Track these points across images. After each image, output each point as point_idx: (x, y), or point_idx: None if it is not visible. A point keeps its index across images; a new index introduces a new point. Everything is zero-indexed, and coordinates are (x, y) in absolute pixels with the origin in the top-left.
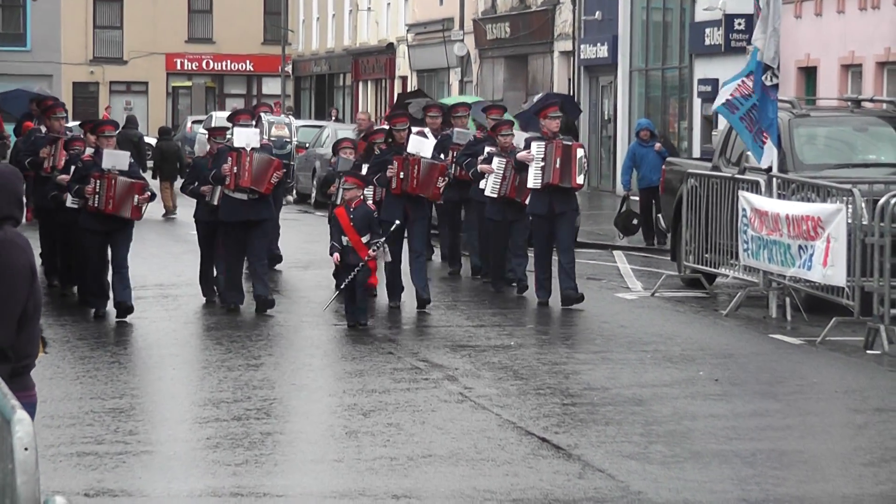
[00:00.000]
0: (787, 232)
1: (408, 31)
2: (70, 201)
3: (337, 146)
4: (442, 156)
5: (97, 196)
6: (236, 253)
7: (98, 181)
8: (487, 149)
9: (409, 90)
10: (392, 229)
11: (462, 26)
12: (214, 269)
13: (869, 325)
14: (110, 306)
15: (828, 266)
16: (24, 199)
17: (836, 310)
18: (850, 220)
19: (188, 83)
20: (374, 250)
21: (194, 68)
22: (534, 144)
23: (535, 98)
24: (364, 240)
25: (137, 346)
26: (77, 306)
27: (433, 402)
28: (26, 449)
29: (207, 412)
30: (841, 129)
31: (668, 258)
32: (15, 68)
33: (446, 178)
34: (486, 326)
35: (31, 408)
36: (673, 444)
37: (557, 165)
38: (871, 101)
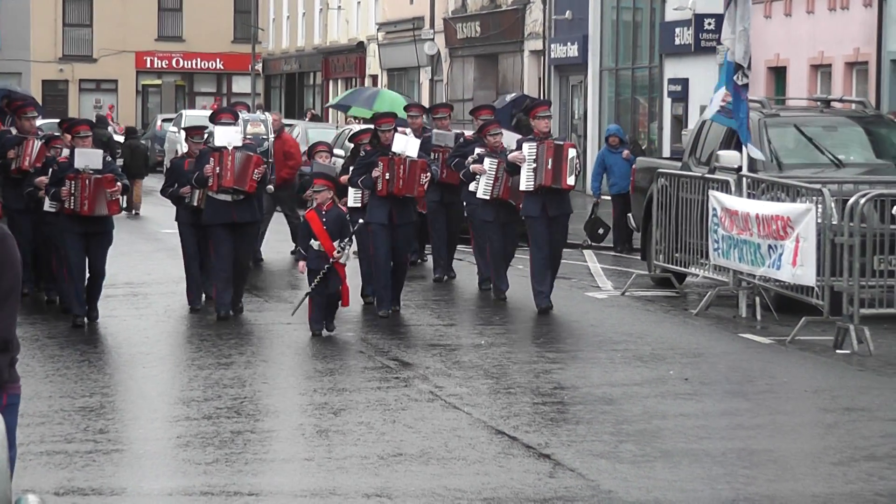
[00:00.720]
0: (757, 231)
1: (378, 29)
2: (48, 205)
3: (312, 150)
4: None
5: (73, 198)
6: (225, 256)
7: (73, 182)
8: (477, 150)
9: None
10: (355, 228)
11: (432, 25)
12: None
13: (838, 324)
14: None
15: (797, 266)
16: None
17: (805, 309)
18: (819, 220)
19: (158, 81)
20: (338, 251)
21: (164, 66)
22: (525, 145)
23: (508, 98)
24: (336, 244)
25: (107, 345)
26: (46, 305)
27: (404, 400)
28: None
29: (178, 410)
30: (810, 129)
31: (639, 257)
32: None
33: (428, 175)
34: (456, 325)
35: (17, 398)
36: (643, 444)
37: (549, 166)
38: (841, 101)
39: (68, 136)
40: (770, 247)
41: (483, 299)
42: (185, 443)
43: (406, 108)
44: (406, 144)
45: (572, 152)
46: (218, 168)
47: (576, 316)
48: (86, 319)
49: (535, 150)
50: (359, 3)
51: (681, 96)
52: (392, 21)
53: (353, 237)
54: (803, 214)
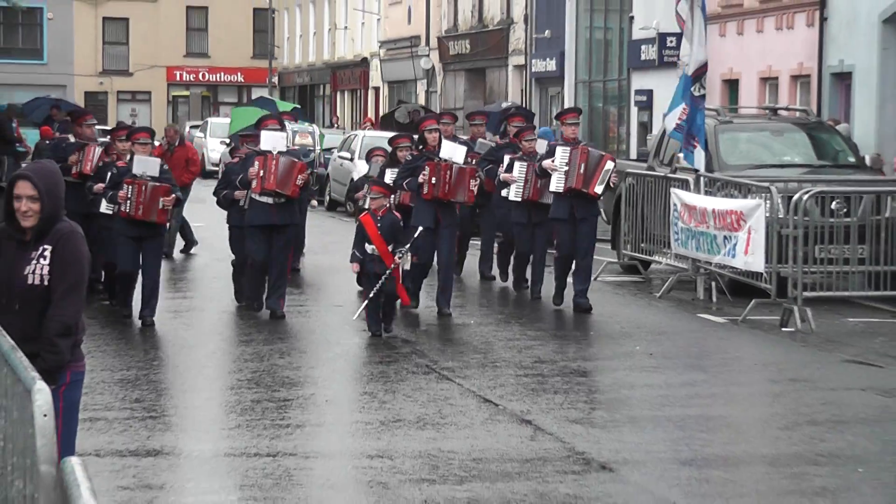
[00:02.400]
0: (713, 224)
1: (380, 46)
2: (104, 206)
3: (370, 154)
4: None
5: (128, 201)
6: (260, 257)
7: (129, 187)
8: (507, 156)
9: (380, 99)
10: (416, 236)
11: (428, 43)
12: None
13: (784, 305)
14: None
15: (748, 254)
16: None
17: (755, 292)
18: (768, 214)
19: (186, 93)
20: (399, 257)
21: (192, 79)
22: (558, 150)
23: (503, 105)
24: (391, 248)
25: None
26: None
27: (402, 373)
28: (45, 415)
29: (203, 382)
30: (760, 134)
31: (609, 247)
32: (33, 79)
33: (478, 180)
34: (458, 305)
35: (80, 375)
36: (613, 410)
37: (581, 171)
38: (787, 109)
39: (121, 144)
40: (724, 237)
41: (472, 286)
42: (210, 409)
43: (440, 115)
44: (453, 151)
45: (610, 164)
46: (262, 171)
47: (538, 298)
48: (140, 322)
49: (567, 155)
50: (363, 23)
51: (646, 105)
52: (392, 39)
53: (413, 245)
54: (754, 209)
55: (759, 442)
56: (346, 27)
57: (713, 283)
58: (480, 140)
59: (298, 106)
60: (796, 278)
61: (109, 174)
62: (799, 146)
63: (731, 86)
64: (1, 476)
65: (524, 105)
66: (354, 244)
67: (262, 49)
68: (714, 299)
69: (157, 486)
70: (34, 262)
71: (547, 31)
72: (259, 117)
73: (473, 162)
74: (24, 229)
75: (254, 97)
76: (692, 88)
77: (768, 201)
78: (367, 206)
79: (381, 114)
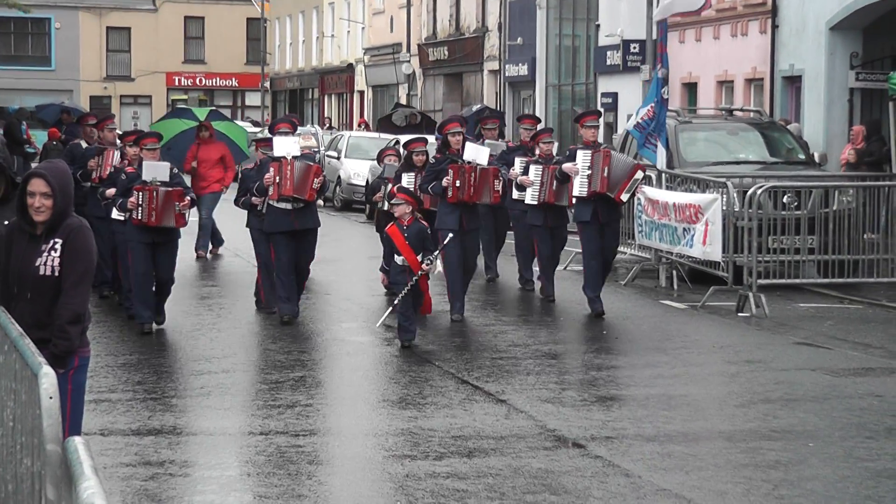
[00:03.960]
0: (674, 217)
1: (364, 53)
2: (115, 213)
3: (381, 154)
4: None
5: (140, 209)
6: (286, 264)
7: (140, 193)
8: (519, 160)
9: (365, 102)
10: (445, 242)
11: (409, 50)
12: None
13: (740, 292)
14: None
15: (707, 244)
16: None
17: (713, 280)
18: (724, 207)
19: (185, 97)
20: (427, 264)
21: (190, 84)
22: (579, 153)
23: (475, 108)
24: (420, 258)
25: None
26: (99, 300)
27: (386, 356)
28: (51, 397)
29: (201, 366)
30: (717, 133)
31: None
32: (42, 84)
33: (501, 180)
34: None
35: (86, 360)
36: (581, 391)
37: (605, 174)
38: (741, 110)
39: (132, 149)
40: (684, 229)
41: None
42: (206, 392)
43: (482, 121)
44: (477, 153)
45: (640, 174)
46: (278, 177)
47: (530, 290)
48: (154, 325)
49: (589, 159)
50: (349, 31)
51: (612, 107)
52: (376, 46)
53: (439, 249)
54: (711, 203)
55: (716, 419)
56: (332, 35)
57: (674, 272)
58: (489, 141)
59: (214, 108)
60: (751, 267)
61: (119, 180)
62: (753, 144)
63: (690, 89)
64: (10, 454)
65: (498, 107)
66: (384, 256)
67: (255, 56)
68: (675, 287)
69: (157, 463)
70: (45, 254)
71: (519, 39)
72: (272, 122)
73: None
74: (36, 223)
75: (246, 101)
76: (661, 90)
77: (725, 196)
78: (385, 209)
79: (365, 115)
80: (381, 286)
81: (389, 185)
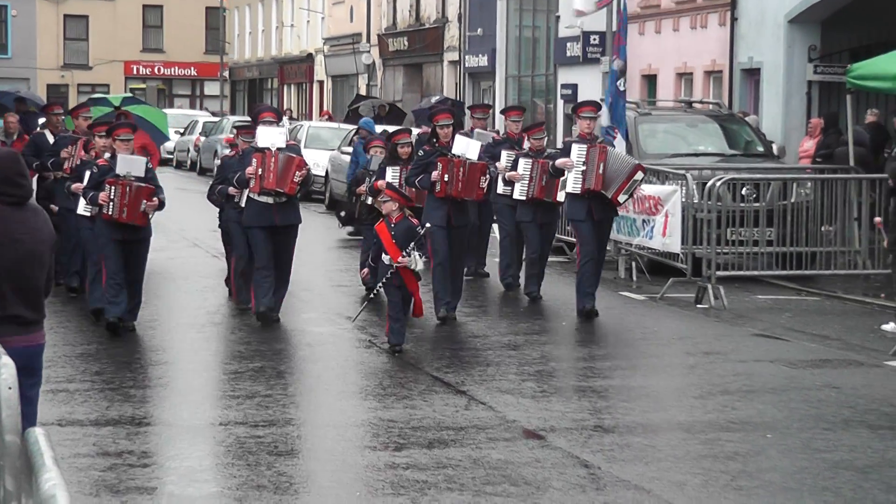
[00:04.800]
0: (633, 208)
1: (324, 43)
2: (82, 208)
3: (367, 145)
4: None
5: (112, 203)
6: (265, 260)
7: (112, 188)
8: (506, 153)
9: (325, 92)
10: (422, 233)
11: (368, 40)
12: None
13: (699, 284)
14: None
15: (666, 236)
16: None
17: (672, 272)
18: (683, 199)
19: (143, 86)
20: (404, 256)
21: (148, 73)
22: (574, 147)
23: (433, 99)
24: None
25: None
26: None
27: (346, 347)
28: (10, 388)
29: (158, 356)
30: (676, 125)
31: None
32: None
33: (488, 177)
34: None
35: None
36: (541, 382)
37: (600, 171)
38: (701, 102)
39: (103, 140)
40: (644, 221)
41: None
42: (165, 383)
43: (472, 109)
44: (467, 146)
45: (640, 175)
46: (260, 169)
47: (485, 279)
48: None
49: (584, 153)
50: (308, 21)
51: (571, 99)
52: (336, 36)
53: (422, 244)
54: (671, 194)
55: (675, 410)
56: (292, 25)
57: (633, 264)
58: (478, 131)
59: (130, 94)
60: (710, 258)
61: (89, 173)
62: (712, 136)
63: (650, 80)
64: None
65: (458, 98)
66: (371, 255)
67: (214, 45)
68: (634, 278)
69: (116, 454)
70: None
71: (479, 30)
72: (256, 110)
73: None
74: None
75: (205, 91)
76: (617, 82)
77: (684, 187)
78: (368, 202)
79: (325, 105)
80: (340, 276)
81: (374, 179)
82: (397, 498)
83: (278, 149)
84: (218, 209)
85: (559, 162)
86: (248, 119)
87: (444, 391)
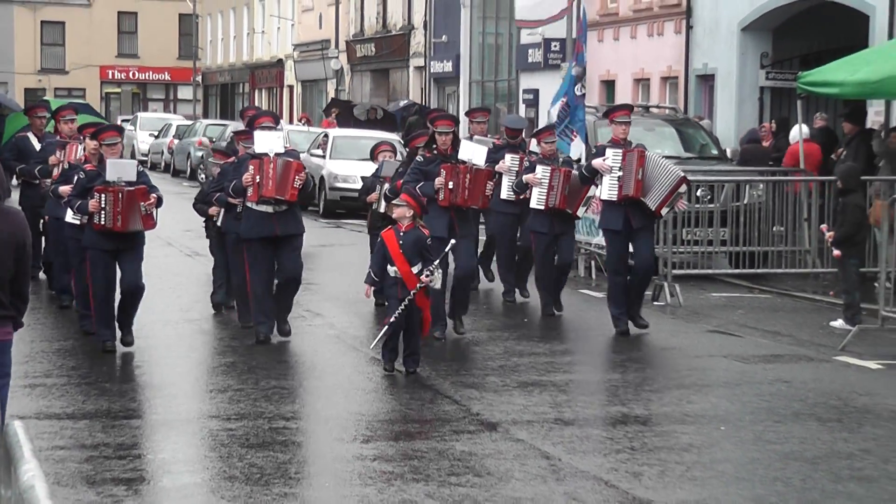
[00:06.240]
0: (592, 209)
1: (294, 49)
2: (70, 216)
3: (375, 149)
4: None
5: (103, 212)
6: (264, 275)
7: (103, 195)
8: (510, 156)
9: (294, 97)
10: (447, 249)
11: (337, 46)
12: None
13: (655, 281)
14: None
15: None
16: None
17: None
18: None
19: (118, 90)
20: (426, 275)
21: (123, 78)
22: (609, 152)
23: (401, 103)
24: (415, 270)
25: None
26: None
27: (314, 343)
28: None
29: (133, 352)
30: (634, 129)
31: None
32: None
33: (493, 184)
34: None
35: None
36: (503, 376)
37: (639, 177)
38: (657, 107)
39: (91, 143)
40: None
41: None
42: (139, 377)
43: (471, 114)
44: (473, 152)
45: (684, 188)
46: (259, 176)
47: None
48: (118, 344)
49: (620, 158)
50: (279, 28)
51: (533, 103)
52: (305, 42)
53: (441, 259)
54: None
55: (633, 404)
56: (263, 31)
57: (592, 262)
58: (478, 137)
59: (78, 102)
60: (666, 257)
61: (77, 178)
62: (668, 140)
63: (609, 86)
64: None
65: (424, 103)
66: (372, 263)
67: (187, 51)
68: (593, 276)
69: (92, 446)
70: None
71: (444, 36)
72: (252, 115)
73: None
74: None
75: (179, 95)
76: (575, 87)
77: None
78: (381, 210)
79: (295, 109)
80: (309, 275)
81: (385, 185)
82: (365, 488)
83: (277, 154)
84: (203, 219)
85: (595, 162)
86: (223, 123)
87: (410, 385)
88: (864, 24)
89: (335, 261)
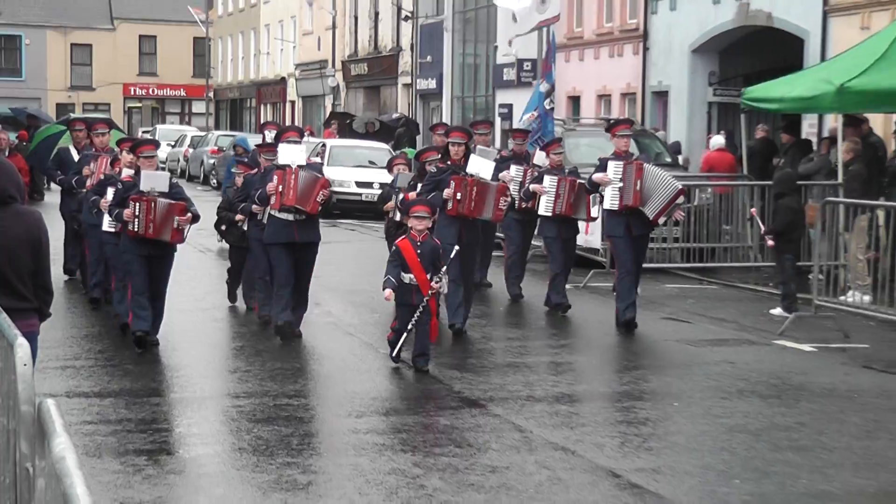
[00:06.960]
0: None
1: (296, 68)
2: (107, 224)
3: (391, 163)
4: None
5: (137, 220)
6: (285, 276)
7: (137, 204)
8: (515, 166)
9: (296, 111)
10: (451, 256)
11: (333, 65)
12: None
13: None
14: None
15: (588, 234)
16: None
17: (593, 264)
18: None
19: (139, 104)
20: (436, 282)
21: (143, 94)
22: (611, 164)
23: (393, 115)
24: (430, 277)
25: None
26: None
27: (312, 330)
28: (25, 364)
29: (151, 338)
30: (597, 139)
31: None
32: (13, 93)
33: (508, 199)
34: (357, 276)
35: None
36: (482, 359)
37: (638, 188)
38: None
39: (129, 156)
40: None
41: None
42: (159, 360)
43: (474, 126)
44: (480, 166)
45: (682, 199)
46: (281, 186)
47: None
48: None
49: (621, 170)
50: (282, 49)
51: (507, 116)
52: (305, 62)
53: (448, 265)
54: (592, 199)
55: (596, 382)
56: (268, 52)
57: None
58: (481, 147)
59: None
60: None
61: (114, 190)
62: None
63: (575, 101)
64: None
65: (411, 116)
66: (389, 270)
67: (200, 70)
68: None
69: (116, 421)
70: None
71: (429, 57)
72: (280, 129)
73: (533, 175)
74: None
75: (193, 109)
76: (544, 102)
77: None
78: (397, 219)
79: (296, 122)
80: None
81: (400, 195)
82: (359, 458)
83: (299, 166)
84: (223, 226)
85: (596, 176)
86: (233, 134)
87: (399, 368)
88: (799, 47)
89: (332, 255)
